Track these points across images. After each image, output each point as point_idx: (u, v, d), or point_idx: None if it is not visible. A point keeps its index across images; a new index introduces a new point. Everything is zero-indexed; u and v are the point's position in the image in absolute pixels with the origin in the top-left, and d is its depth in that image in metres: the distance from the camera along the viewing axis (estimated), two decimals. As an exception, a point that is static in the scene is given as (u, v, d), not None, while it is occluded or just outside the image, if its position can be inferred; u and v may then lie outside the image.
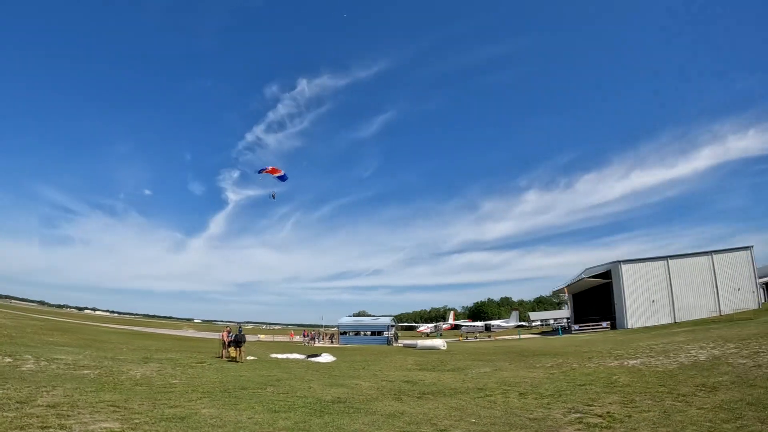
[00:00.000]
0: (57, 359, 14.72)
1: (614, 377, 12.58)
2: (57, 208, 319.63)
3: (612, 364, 15.63)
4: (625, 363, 15.29)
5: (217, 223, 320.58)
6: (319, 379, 14.68)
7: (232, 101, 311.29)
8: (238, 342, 20.07)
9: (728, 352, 14.36)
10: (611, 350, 20.09)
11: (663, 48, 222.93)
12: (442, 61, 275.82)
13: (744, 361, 12.29)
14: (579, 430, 7.51)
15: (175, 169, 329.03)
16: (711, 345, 16.52)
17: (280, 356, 24.35)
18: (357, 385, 13.45)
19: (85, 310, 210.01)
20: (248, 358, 22.00)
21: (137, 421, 7.71)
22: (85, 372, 12.88)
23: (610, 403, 9.30)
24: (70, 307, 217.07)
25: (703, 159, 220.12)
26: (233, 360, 19.44)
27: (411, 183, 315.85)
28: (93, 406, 8.55)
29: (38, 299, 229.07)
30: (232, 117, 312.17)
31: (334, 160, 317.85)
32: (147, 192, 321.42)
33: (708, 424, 7.18)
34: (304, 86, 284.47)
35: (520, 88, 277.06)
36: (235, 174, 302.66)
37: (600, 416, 8.24)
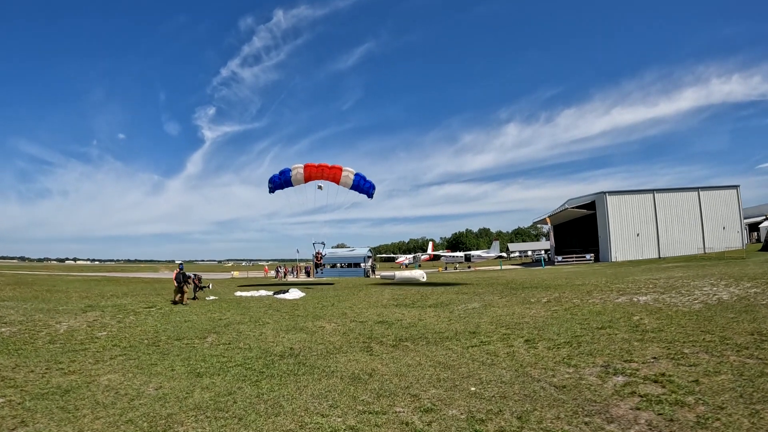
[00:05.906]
0: (-20, 315, 12.59)
1: (635, 318, 10.22)
2: (33, 161, 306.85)
3: (619, 300, 13.08)
4: (635, 299, 12.83)
5: (195, 162, 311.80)
6: (277, 322, 12.95)
7: (206, 37, 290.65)
8: (180, 283, 17.97)
9: (751, 291, 12.04)
10: (608, 284, 17.62)
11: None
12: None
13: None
14: (638, 409, 5.04)
15: (149, 110, 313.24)
16: (723, 283, 14.23)
17: (244, 294, 22.33)
18: (320, 328, 11.73)
19: (66, 262, 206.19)
20: (208, 298, 20.21)
21: (3, 400, 5.77)
22: (2, 330, 10.82)
23: (653, 358, 6.90)
24: (51, 260, 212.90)
25: (685, 100, 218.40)
26: (179, 302, 17.65)
27: (391, 115, 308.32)
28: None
29: (19, 255, 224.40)
30: (207, 53, 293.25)
31: (312, 93, 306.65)
32: (121, 136, 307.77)
33: None
34: (281, 17, 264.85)
35: (506, 22, 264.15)
36: (211, 111, 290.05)
37: (654, 381, 5.88)
